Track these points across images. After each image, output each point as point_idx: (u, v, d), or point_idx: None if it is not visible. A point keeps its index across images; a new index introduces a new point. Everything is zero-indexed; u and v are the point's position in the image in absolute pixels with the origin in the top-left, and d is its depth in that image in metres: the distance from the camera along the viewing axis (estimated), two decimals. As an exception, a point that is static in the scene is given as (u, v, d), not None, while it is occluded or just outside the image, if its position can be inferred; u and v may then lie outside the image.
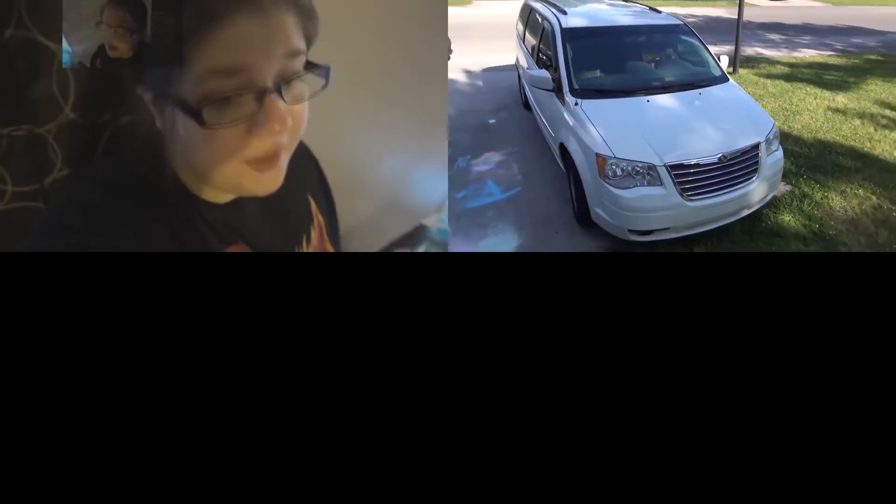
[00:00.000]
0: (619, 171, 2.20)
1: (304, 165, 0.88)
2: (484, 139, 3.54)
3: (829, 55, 6.79)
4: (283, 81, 0.63)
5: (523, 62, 3.78)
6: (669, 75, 2.93)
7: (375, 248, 1.25)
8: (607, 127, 2.35)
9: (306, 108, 0.67)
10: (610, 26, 3.29)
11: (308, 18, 0.66)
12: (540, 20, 3.35)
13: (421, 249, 1.30)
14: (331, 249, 0.90)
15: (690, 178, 2.22)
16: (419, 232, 1.32)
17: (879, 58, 6.67)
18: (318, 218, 0.88)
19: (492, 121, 3.85)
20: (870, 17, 11.28)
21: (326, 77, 0.67)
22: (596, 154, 2.24)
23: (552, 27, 2.98)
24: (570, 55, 2.74)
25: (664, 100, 2.65)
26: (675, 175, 2.20)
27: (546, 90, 2.75)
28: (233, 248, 0.72)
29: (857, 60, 6.47)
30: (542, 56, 3.18)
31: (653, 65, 3.01)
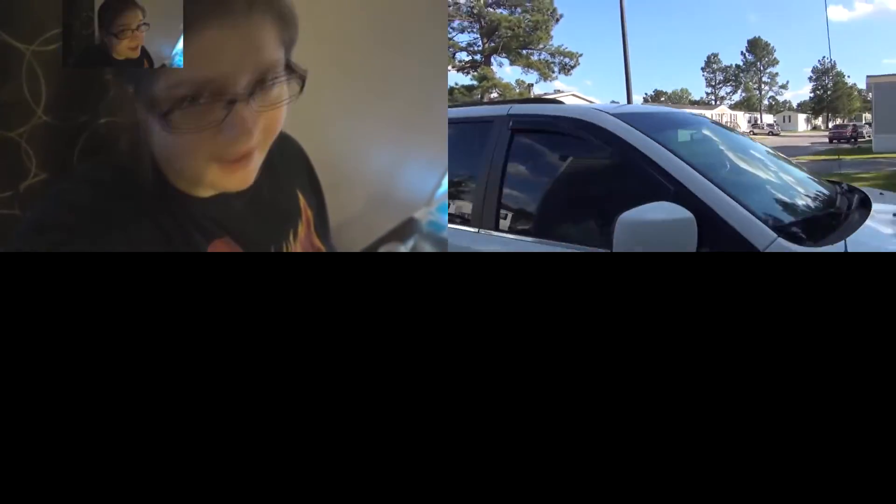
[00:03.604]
0: None
1: (293, 161, 0.89)
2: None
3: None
4: (258, 87, 0.63)
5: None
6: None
7: (369, 241, 1.24)
8: None
9: (284, 109, 0.67)
10: (693, 113, 2.07)
11: (286, 26, 0.66)
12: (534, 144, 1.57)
13: (413, 243, 1.31)
14: (319, 244, 0.90)
15: None
16: (411, 225, 1.32)
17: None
18: (307, 213, 0.89)
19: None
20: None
21: (301, 84, 0.68)
22: None
23: (595, 119, 1.38)
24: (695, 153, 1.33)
25: None
26: None
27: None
28: (218, 242, 0.73)
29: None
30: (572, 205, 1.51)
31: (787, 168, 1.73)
